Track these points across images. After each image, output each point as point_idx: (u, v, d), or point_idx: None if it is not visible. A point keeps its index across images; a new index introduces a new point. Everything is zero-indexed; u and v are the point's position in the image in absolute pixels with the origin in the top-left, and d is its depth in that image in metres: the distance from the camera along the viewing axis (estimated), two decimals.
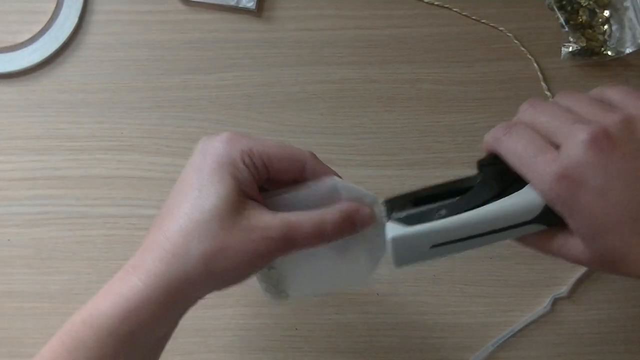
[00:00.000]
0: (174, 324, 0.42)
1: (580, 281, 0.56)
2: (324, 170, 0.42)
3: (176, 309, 0.40)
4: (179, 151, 0.58)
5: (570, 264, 0.41)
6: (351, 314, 0.55)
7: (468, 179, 0.40)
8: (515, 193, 0.38)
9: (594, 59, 0.60)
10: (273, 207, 0.40)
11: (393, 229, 0.39)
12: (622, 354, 0.55)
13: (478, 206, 0.39)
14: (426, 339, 0.55)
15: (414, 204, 0.40)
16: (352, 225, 0.40)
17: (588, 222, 0.37)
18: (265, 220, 0.38)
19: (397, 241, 0.39)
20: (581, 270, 0.56)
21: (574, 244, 0.39)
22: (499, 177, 0.39)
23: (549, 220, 0.39)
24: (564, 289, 0.55)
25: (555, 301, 0.55)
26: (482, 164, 0.40)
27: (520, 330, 0.55)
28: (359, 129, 0.59)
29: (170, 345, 0.57)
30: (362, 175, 0.58)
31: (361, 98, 0.59)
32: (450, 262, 0.56)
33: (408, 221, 0.39)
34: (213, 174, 0.39)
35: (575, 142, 0.36)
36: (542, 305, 0.55)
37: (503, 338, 0.54)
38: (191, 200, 0.38)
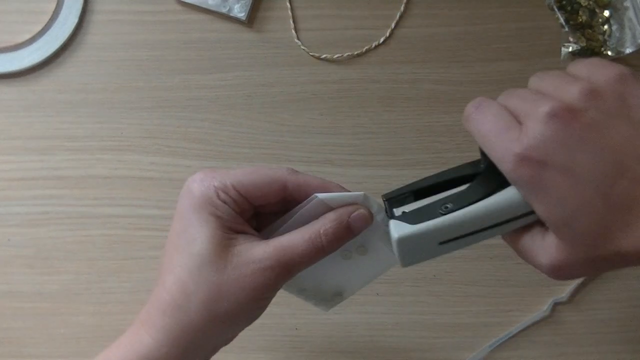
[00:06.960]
0: None
1: (581, 282, 0.56)
2: (307, 183, 0.39)
3: None
4: (179, 151, 0.58)
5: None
6: (351, 314, 0.55)
7: (470, 165, 0.37)
8: None
9: None
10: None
11: (397, 228, 0.36)
12: (622, 354, 0.55)
13: (487, 195, 0.35)
14: (426, 339, 0.55)
15: (416, 196, 0.38)
16: (348, 230, 0.39)
17: (556, 206, 0.33)
18: (257, 251, 0.37)
19: (403, 241, 0.36)
20: None
21: (549, 241, 0.34)
22: None
23: None
24: (564, 295, 0.55)
25: (555, 306, 0.55)
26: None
27: (521, 330, 0.55)
28: (359, 129, 0.59)
29: None
30: (362, 175, 0.58)
31: (361, 98, 0.59)
32: (450, 262, 0.56)
33: (413, 219, 0.36)
34: (194, 219, 0.38)
35: (535, 118, 0.33)
36: (542, 305, 0.55)
37: (503, 338, 0.55)
38: (181, 249, 0.38)
